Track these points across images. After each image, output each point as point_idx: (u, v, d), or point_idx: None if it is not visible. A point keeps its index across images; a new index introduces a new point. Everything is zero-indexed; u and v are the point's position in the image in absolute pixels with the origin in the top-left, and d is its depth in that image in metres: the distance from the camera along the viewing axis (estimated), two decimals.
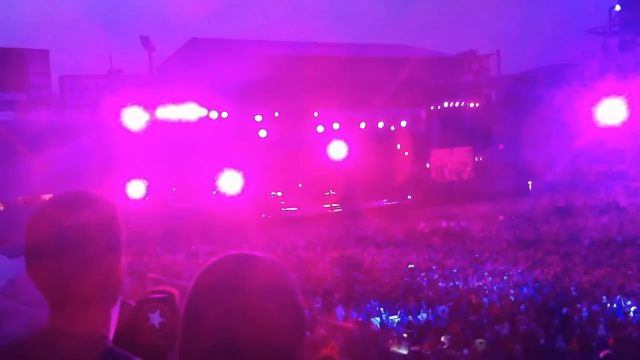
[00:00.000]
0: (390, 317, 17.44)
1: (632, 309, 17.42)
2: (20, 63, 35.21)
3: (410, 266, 24.32)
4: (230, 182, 35.25)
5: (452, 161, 45.21)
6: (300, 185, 37.19)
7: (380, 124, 41.29)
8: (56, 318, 1.88)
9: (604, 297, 18.43)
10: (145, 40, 38.27)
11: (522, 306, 17.98)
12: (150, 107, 33.23)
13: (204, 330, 1.53)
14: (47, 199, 1.94)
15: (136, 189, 33.76)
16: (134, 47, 39.17)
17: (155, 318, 2.55)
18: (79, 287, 1.85)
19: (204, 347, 1.53)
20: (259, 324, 1.52)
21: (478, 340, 14.63)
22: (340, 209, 38.91)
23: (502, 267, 23.35)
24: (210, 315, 1.53)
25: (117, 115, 32.52)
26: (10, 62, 34.85)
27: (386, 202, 40.82)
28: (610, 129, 36.59)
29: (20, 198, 33.68)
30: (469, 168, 44.93)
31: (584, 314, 17.00)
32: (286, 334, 1.56)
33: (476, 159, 44.91)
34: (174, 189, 35.82)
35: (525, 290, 19.90)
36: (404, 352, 14.41)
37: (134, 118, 32.73)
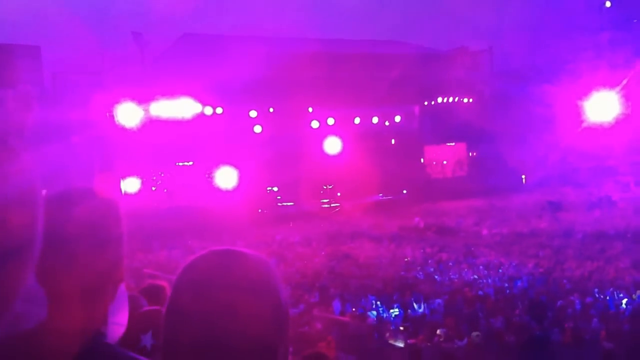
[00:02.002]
0: (387, 311, 17.61)
1: (624, 301, 17.60)
2: (11, 59, 35.09)
3: (405, 260, 24.50)
4: (226, 177, 35.29)
5: (446, 157, 45.42)
6: (296, 180, 37.28)
7: (375, 120, 41.41)
8: (52, 313, 1.87)
9: (596, 290, 18.62)
10: (137, 37, 38.21)
11: (516, 299, 18.16)
12: (144, 104, 33.22)
13: (190, 326, 1.53)
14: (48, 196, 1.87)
15: (131, 185, 33.80)
16: (127, 43, 39.16)
17: (147, 339, 2.51)
18: (68, 283, 1.84)
19: (190, 342, 1.53)
20: (246, 320, 1.53)
21: (474, 333, 14.80)
22: (336, 204, 39.04)
23: (496, 261, 23.52)
24: (197, 311, 1.54)
25: (111, 111, 32.51)
26: (0, 59, 34.73)
27: (381, 196, 40.97)
28: (601, 125, 36.85)
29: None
30: (463, 163, 45.11)
31: (577, 306, 17.17)
32: (272, 329, 1.57)
33: (470, 154, 45.11)
34: (156, 187, 35.78)
35: (519, 283, 20.06)
36: (400, 345, 14.57)
37: (128, 114, 32.69)
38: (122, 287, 2.28)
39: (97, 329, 1.90)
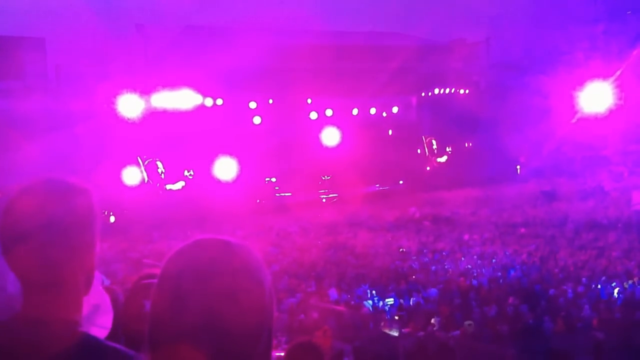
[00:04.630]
0: (382, 300, 17.81)
1: (616, 290, 17.87)
2: (16, 51, 35.15)
3: (401, 250, 24.70)
4: (225, 168, 35.38)
5: (442, 147, 45.58)
6: (294, 171, 37.43)
7: (372, 111, 41.49)
8: (30, 305, 1.87)
9: (589, 279, 18.87)
10: (140, 28, 38.28)
11: (510, 288, 18.38)
12: (145, 95, 33.37)
13: (190, 312, 1.57)
14: (29, 186, 1.95)
15: (131, 176, 33.98)
16: (130, 35, 39.18)
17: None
18: (41, 274, 1.85)
19: (190, 328, 1.57)
20: (245, 304, 1.60)
21: (467, 322, 15.02)
22: (334, 194, 39.16)
23: (490, 251, 23.73)
24: (198, 297, 1.57)
25: (113, 102, 32.69)
26: (5, 50, 34.79)
27: (378, 187, 41.07)
28: (595, 115, 36.98)
29: (17, 186, 33.77)
30: (459, 154, 45.20)
31: (569, 295, 17.41)
32: (265, 312, 1.66)
33: (466, 144, 45.20)
34: (156, 178, 35.87)
35: (512, 272, 20.29)
36: (395, 334, 14.74)
37: (130, 106, 32.86)
38: (105, 293, 2.45)
39: (72, 319, 1.92)
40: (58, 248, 1.86)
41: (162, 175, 35.65)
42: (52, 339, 1.82)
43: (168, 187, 35.75)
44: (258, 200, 35.69)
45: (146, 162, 35.03)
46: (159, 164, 35.47)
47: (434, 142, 45.66)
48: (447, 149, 45.62)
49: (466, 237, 26.63)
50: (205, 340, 1.57)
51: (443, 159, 45.59)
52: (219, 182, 35.12)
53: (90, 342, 1.89)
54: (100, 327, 2.23)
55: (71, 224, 1.89)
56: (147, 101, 33.45)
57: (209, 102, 35.42)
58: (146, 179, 34.85)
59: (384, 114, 42.28)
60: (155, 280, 1.70)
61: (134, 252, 23.33)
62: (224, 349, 1.59)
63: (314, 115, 39.40)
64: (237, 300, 1.60)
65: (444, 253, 23.68)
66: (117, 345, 1.93)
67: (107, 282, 4.94)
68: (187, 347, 1.57)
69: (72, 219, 1.90)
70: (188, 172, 36.10)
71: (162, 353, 1.61)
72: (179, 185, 35.92)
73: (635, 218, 28.23)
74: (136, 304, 2.45)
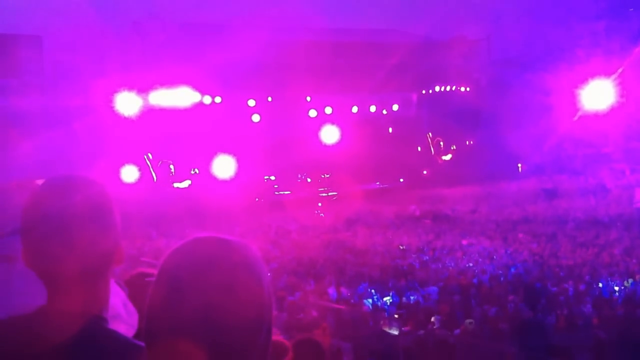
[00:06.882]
0: (382, 298, 17.72)
1: (617, 288, 17.76)
2: (13, 49, 35.20)
3: (401, 247, 24.62)
4: (224, 166, 35.36)
5: (447, 145, 45.60)
6: (293, 169, 37.39)
7: (372, 108, 41.48)
8: (51, 298, 1.92)
9: (590, 277, 18.77)
10: (138, 25, 38.29)
11: (511, 286, 18.28)
12: (143, 92, 33.33)
13: (188, 306, 1.57)
14: (40, 183, 2.00)
15: (129, 173, 33.92)
16: (127, 32, 39.15)
17: None
18: (69, 269, 1.90)
19: (188, 322, 1.57)
20: (244, 298, 1.60)
21: (467, 320, 14.90)
22: (333, 192, 39.12)
23: (491, 248, 23.65)
24: (196, 291, 1.57)
25: (110, 100, 32.68)
26: (2, 48, 34.84)
27: (378, 185, 41.06)
28: (596, 112, 36.96)
29: (14, 182, 33.69)
30: (459, 151, 45.21)
31: (571, 293, 17.31)
32: (264, 308, 1.65)
33: (466, 142, 45.21)
34: (155, 176, 35.84)
35: (513, 270, 20.20)
36: (395, 332, 14.64)
37: (128, 103, 32.83)
38: (123, 294, 2.46)
39: (98, 314, 1.96)
40: (55, 242, 1.88)
41: (173, 172, 35.64)
42: (69, 332, 1.85)
43: (175, 185, 35.74)
44: (257, 199, 35.63)
45: (159, 164, 35.04)
46: (163, 163, 35.46)
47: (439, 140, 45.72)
48: (452, 147, 45.64)
49: (466, 234, 26.56)
50: (202, 335, 1.57)
51: (448, 157, 45.61)
52: (217, 180, 35.07)
53: (112, 338, 1.92)
54: (128, 324, 2.29)
55: (70, 219, 1.91)
56: (145, 99, 33.42)
57: (207, 99, 35.40)
58: (155, 178, 34.88)
59: (384, 112, 42.29)
60: (153, 278, 1.70)
61: (132, 249, 23.23)
62: (222, 344, 1.58)
63: (313, 113, 39.38)
64: (235, 294, 1.60)
65: (444, 251, 23.61)
66: (122, 335, 1.96)
67: None
68: (184, 341, 1.57)
69: (70, 214, 1.91)
70: (193, 170, 36.06)
71: (159, 347, 1.60)
72: (186, 183, 35.91)
73: (636, 215, 28.21)
74: (138, 299, 2.35)
